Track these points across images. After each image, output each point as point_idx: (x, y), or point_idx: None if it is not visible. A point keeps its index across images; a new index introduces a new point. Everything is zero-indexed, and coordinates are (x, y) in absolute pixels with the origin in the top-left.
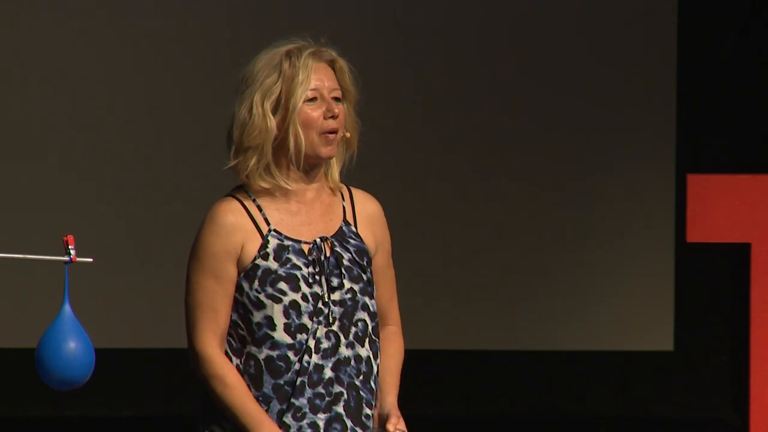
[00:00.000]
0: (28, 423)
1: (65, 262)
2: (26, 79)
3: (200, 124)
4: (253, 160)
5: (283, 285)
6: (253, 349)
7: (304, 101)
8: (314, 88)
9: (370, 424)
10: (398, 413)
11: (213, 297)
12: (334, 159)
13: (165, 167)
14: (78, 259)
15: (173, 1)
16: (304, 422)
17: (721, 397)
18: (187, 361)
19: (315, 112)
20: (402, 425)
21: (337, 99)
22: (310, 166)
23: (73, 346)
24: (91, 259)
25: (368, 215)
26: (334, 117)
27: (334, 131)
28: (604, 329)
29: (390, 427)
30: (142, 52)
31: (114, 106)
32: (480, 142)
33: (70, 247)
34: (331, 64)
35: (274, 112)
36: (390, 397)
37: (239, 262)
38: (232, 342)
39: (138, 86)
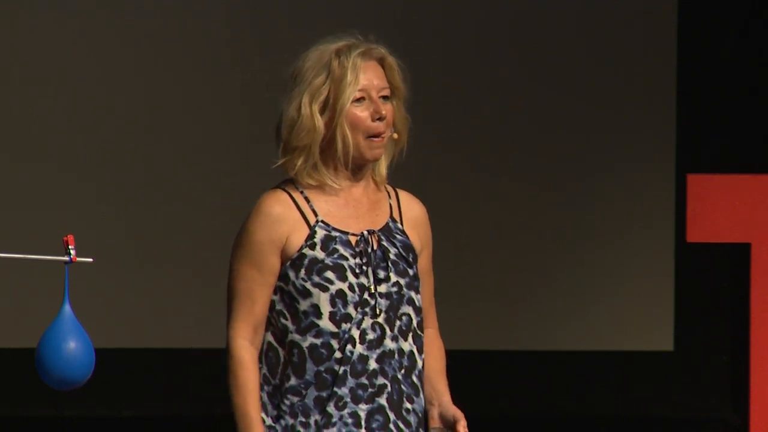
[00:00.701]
0: (28, 423)
1: (65, 262)
2: (26, 79)
3: (200, 124)
4: (301, 160)
5: (330, 274)
6: (297, 338)
7: (352, 102)
8: (362, 89)
9: (410, 418)
10: (462, 414)
11: (251, 286)
12: (383, 156)
13: (165, 167)
14: (78, 259)
15: (173, 2)
16: (345, 412)
17: (721, 397)
18: (184, 361)
19: (363, 113)
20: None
21: (386, 97)
22: (358, 167)
23: (73, 346)
24: (91, 259)
25: (414, 217)
26: (381, 119)
27: (379, 134)
28: (604, 329)
29: (461, 429)
30: (142, 52)
31: (114, 106)
32: (480, 142)
33: (70, 247)
34: (381, 61)
35: (322, 112)
36: (446, 397)
37: (283, 253)
38: (276, 333)
39: (138, 86)
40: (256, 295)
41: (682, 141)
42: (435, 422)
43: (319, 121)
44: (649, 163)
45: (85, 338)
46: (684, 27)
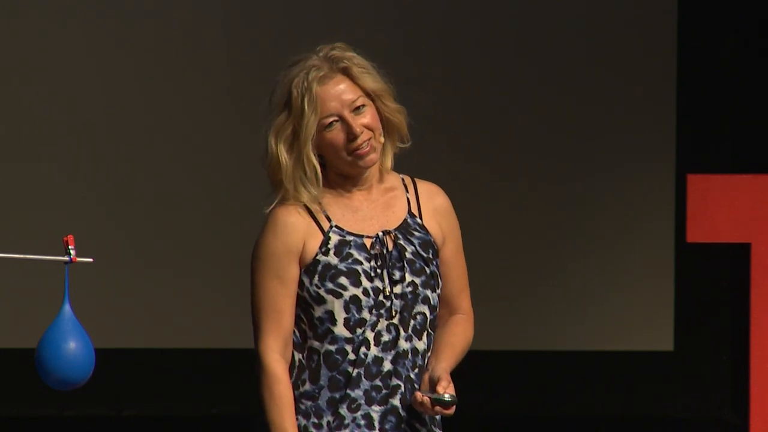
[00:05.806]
0: (28, 423)
1: (65, 262)
2: (26, 80)
3: (200, 125)
4: (288, 188)
5: (343, 280)
6: (315, 344)
7: (323, 128)
8: (329, 114)
9: (425, 417)
10: (449, 378)
11: (276, 298)
12: (387, 147)
13: (165, 168)
14: (78, 259)
15: (171, 4)
16: (359, 414)
17: (721, 397)
18: (184, 361)
19: (338, 136)
20: (451, 389)
21: (360, 107)
22: (356, 175)
23: (73, 346)
24: (91, 259)
25: (434, 208)
26: (356, 137)
27: (359, 148)
28: (604, 329)
29: (440, 389)
30: (141, 54)
31: (114, 107)
32: (480, 143)
33: (70, 247)
34: (345, 72)
35: (291, 147)
36: (444, 364)
37: (301, 260)
38: (295, 338)
39: (138, 88)
40: (282, 305)
41: (682, 141)
42: (423, 385)
43: (285, 159)
44: (649, 163)
45: (85, 338)
46: (684, 27)
